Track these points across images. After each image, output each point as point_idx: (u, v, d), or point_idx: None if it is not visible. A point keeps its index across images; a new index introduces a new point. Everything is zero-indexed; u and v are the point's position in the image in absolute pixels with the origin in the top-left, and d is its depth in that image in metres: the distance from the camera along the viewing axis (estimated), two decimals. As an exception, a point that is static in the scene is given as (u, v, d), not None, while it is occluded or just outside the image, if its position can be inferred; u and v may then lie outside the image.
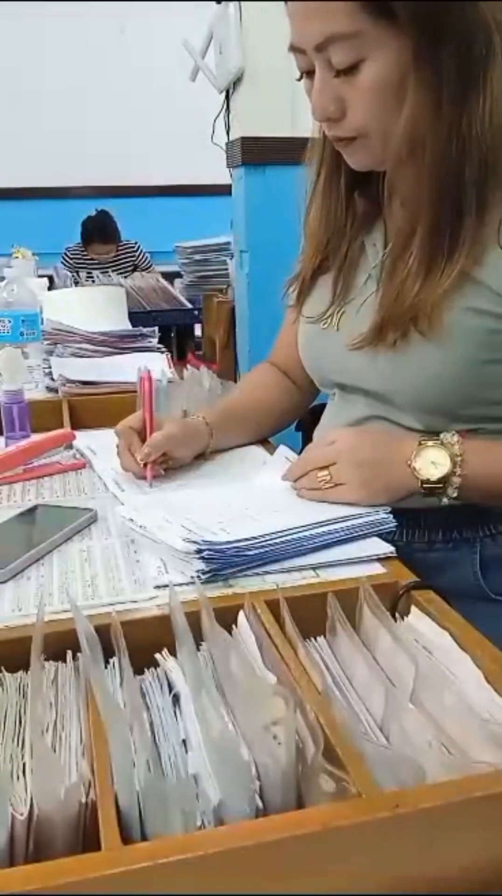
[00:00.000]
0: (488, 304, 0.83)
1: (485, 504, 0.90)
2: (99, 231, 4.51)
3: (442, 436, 0.84)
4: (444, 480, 0.82)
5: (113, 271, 4.17)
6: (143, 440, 0.97)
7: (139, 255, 4.65)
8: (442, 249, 0.83)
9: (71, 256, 4.56)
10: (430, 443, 0.84)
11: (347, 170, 0.91)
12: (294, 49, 0.83)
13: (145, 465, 0.95)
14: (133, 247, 4.65)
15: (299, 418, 1.24)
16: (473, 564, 0.94)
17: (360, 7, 0.75)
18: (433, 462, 0.83)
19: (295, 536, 0.75)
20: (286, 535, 0.75)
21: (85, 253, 4.55)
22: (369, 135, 0.83)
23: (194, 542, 0.72)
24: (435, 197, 0.82)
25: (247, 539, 0.73)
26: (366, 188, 0.94)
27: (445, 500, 0.84)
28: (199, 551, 0.71)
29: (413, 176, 0.84)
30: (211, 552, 0.71)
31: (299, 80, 0.86)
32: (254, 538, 0.74)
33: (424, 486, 0.83)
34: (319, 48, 0.79)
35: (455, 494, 0.83)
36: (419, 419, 0.90)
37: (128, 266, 4.55)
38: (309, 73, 0.84)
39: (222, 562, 0.71)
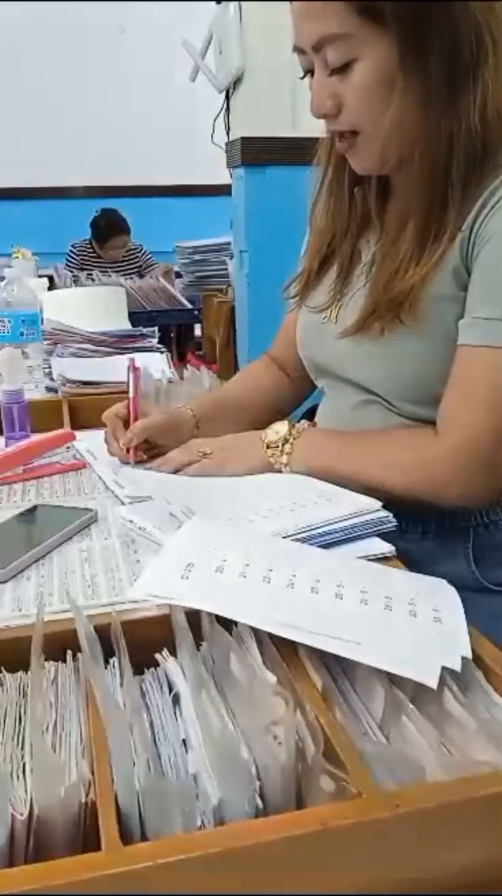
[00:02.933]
0: (458, 288, 0.85)
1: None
2: (113, 225, 4.49)
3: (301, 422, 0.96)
4: (278, 444, 0.95)
5: (116, 273, 4.17)
6: (128, 427, 1.04)
7: (143, 258, 4.64)
8: (428, 241, 0.86)
9: (77, 254, 4.54)
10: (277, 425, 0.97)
11: (350, 169, 0.94)
12: (296, 49, 0.87)
13: (128, 450, 1.02)
14: (137, 248, 4.64)
15: (293, 412, 1.25)
16: (466, 553, 0.95)
17: (351, 9, 0.79)
18: (276, 430, 0.96)
19: (294, 535, 0.75)
20: (283, 532, 0.75)
21: (92, 250, 4.54)
22: (363, 131, 0.86)
23: None
24: (424, 193, 0.85)
25: None
26: (365, 188, 0.97)
27: (283, 469, 0.94)
28: None
29: (405, 174, 0.87)
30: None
31: (302, 78, 0.89)
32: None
33: (266, 449, 0.95)
34: (315, 48, 0.83)
35: (285, 461, 0.94)
36: (402, 409, 0.93)
37: (134, 269, 4.54)
38: (310, 72, 0.87)
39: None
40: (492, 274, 0.83)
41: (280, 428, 0.96)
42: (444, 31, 0.79)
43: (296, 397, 1.21)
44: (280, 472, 0.94)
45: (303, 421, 0.98)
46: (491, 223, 0.82)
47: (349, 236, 0.99)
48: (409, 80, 0.81)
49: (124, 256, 4.56)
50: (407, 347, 0.89)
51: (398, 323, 0.87)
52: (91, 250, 4.55)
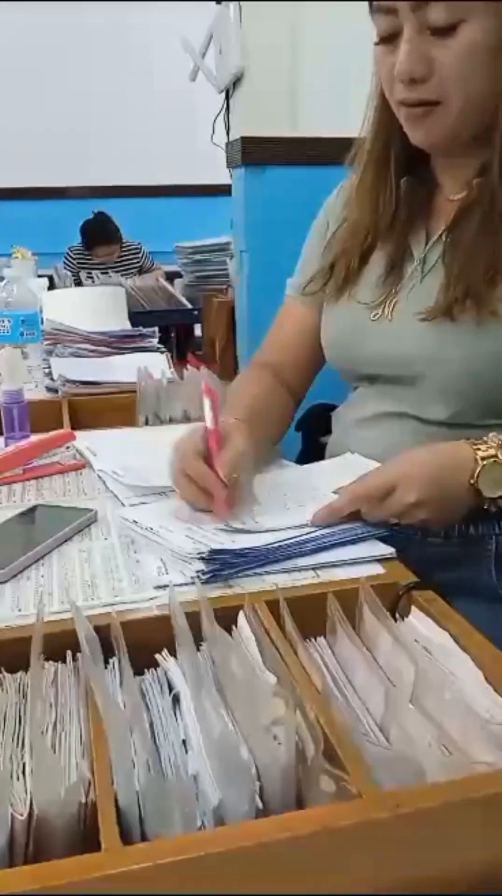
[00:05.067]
0: None
1: None
2: (100, 233, 4.50)
3: (475, 443, 0.83)
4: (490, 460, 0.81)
5: (116, 273, 4.17)
6: (209, 460, 0.82)
7: (142, 257, 4.64)
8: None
9: (74, 257, 4.55)
10: (488, 460, 0.81)
11: (397, 160, 0.93)
12: (381, 10, 0.82)
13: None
14: (136, 248, 4.64)
15: (293, 418, 1.22)
16: (488, 560, 0.93)
17: None
18: (496, 481, 0.82)
19: (295, 537, 0.75)
20: (286, 537, 0.75)
21: (88, 253, 4.54)
22: (449, 101, 0.82)
23: (199, 552, 0.72)
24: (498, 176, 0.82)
25: (249, 548, 0.73)
26: (413, 181, 0.96)
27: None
28: (202, 557, 0.71)
29: (461, 162, 0.88)
30: (212, 554, 0.71)
31: (377, 44, 0.85)
32: (257, 547, 0.74)
33: (492, 503, 0.82)
34: (416, 6, 0.78)
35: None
36: (448, 407, 0.90)
37: (133, 268, 4.54)
38: (389, 38, 0.83)
39: (222, 563, 0.71)
40: None
41: (497, 475, 0.82)
42: None
43: (296, 406, 1.15)
44: None
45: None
46: None
47: (395, 231, 0.96)
48: None
49: (122, 256, 4.56)
50: (481, 333, 0.86)
51: (473, 309, 0.85)
52: (87, 253, 4.55)
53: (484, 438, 0.84)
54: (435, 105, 0.83)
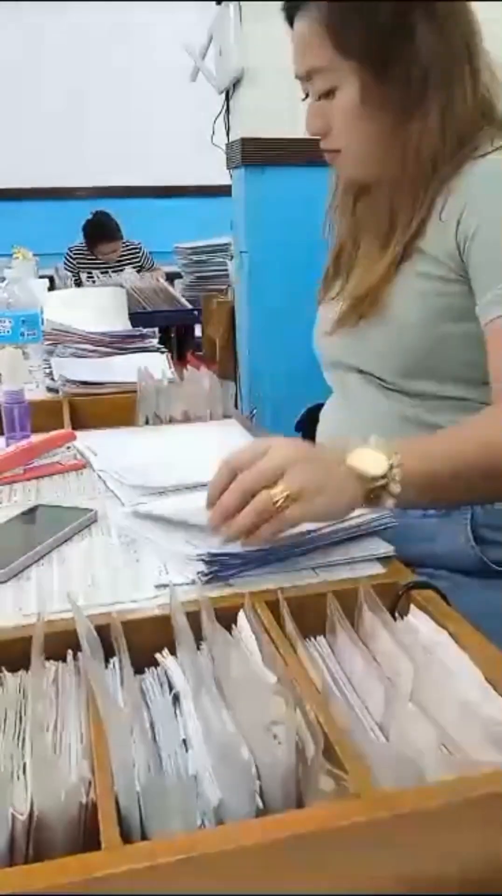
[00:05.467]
0: (430, 267, 0.95)
1: (423, 506, 0.95)
2: (101, 231, 4.50)
3: (371, 439, 0.77)
4: (384, 476, 0.74)
5: (116, 273, 4.17)
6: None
7: (143, 257, 4.64)
8: (393, 235, 0.99)
9: (74, 257, 4.55)
10: (361, 446, 0.76)
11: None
12: (297, 77, 1.00)
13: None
14: (137, 247, 4.64)
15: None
16: (466, 532, 0.96)
17: (328, 44, 0.92)
18: (371, 459, 0.75)
19: (295, 537, 0.75)
20: (286, 536, 0.75)
21: (89, 253, 4.55)
22: (348, 148, 0.99)
23: (199, 554, 0.72)
24: (394, 201, 0.98)
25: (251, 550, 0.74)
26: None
27: (390, 502, 0.75)
28: (202, 559, 0.71)
29: (378, 186, 1.01)
30: (212, 556, 0.71)
31: (304, 100, 1.02)
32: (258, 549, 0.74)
33: (368, 484, 0.74)
34: (306, 78, 0.98)
35: (397, 490, 0.74)
36: (407, 384, 1.00)
37: (133, 269, 4.54)
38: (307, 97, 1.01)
39: (222, 564, 0.71)
40: (495, 251, 0.91)
41: (373, 458, 0.75)
42: (406, 56, 0.91)
43: None
44: (384, 505, 0.76)
45: (372, 438, 0.77)
46: (476, 210, 0.91)
47: (353, 239, 1.08)
48: (376, 105, 0.94)
49: (123, 255, 4.56)
50: (378, 330, 1.00)
51: (373, 310, 0.99)
52: (88, 253, 4.55)
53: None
54: (338, 152, 1.00)
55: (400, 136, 0.95)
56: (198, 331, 4.01)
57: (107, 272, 4.08)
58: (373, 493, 0.74)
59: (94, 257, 4.54)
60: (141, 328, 1.80)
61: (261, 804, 0.46)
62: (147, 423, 1.26)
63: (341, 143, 0.99)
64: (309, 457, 0.73)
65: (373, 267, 1.00)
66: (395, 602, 0.67)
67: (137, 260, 4.61)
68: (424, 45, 0.91)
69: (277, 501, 0.68)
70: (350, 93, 0.94)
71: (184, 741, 0.51)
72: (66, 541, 0.81)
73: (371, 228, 1.04)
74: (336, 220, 1.11)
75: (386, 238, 0.99)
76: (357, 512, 0.80)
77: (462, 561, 0.96)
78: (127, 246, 4.63)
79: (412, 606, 0.65)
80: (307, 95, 1.01)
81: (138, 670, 0.57)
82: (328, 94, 0.96)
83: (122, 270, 4.30)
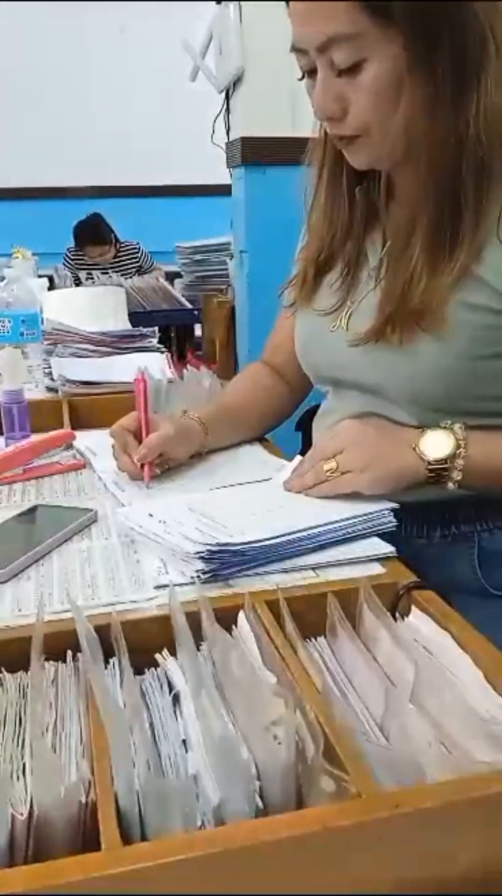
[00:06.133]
0: (486, 299, 0.84)
1: (486, 493, 0.90)
2: (90, 233, 4.48)
3: (442, 423, 0.86)
4: (448, 461, 0.84)
5: (115, 273, 4.17)
6: (139, 440, 0.97)
7: (142, 257, 4.64)
8: (443, 247, 0.84)
9: (72, 257, 4.55)
10: (433, 428, 0.86)
11: (349, 169, 0.92)
12: (296, 50, 0.84)
13: (142, 465, 0.95)
14: (135, 248, 4.64)
15: (290, 417, 1.24)
16: (471, 559, 0.95)
17: (361, 8, 0.76)
18: (437, 443, 0.85)
19: (295, 536, 0.75)
20: (286, 536, 0.75)
21: (83, 254, 4.55)
22: (370, 133, 0.84)
23: (205, 544, 0.72)
24: (432, 194, 0.83)
25: (250, 542, 0.73)
26: (367, 187, 0.95)
27: (450, 485, 0.84)
28: (201, 555, 0.71)
29: (411, 175, 0.85)
30: (211, 552, 0.71)
31: (301, 79, 0.87)
32: (257, 541, 0.74)
33: (429, 467, 0.84)
34: (321, 49, 0.80)
35: (459, 477, 0.84)
36: (413, 414, 0.90)
37: (132, 268, 4.54)
38: (310, 73, 0.85)
39: (222, 562, 0.71)
40: None
41: (440, 440, 0.85)
42: (453, 31, 0.78)
43: (296, 402, 1.20)
44: (445, 487, 0.85)
45: (456, 426, 0.85)
46: None
47: (352, 238, 0.96)
48: (417, 81, 0.79)
49: (116, 258, 4.55)
50: (425, 355, 0.86)
51: (416, 330, 0.86)
52: (82, 253, 4.55)
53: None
54: (357, 137, 0.85)
55: (446, 118, 0.80)
56: (198, 330, 4.01)
57: (107, 272, 4.08)
58: (434, 473, 0.85)
59: (86, 258, 4.54)
60: (141, 328, 1.80)
61: (261, 804, 0.46)
62: (147, 422, 1.26)
63: (364, 126, 0.83)
64: (366, 440, 0.88)
65: (434, 277, 0.85)
66: (396, 602, 0.67)
67: (136, 260, 4.60)
68: (479, 10, 0.78)
69: (328, 472, 0.86)
70: (384, 65, 0.79)
71: (184, 741, 0.51)
72: (65, 541, 0.81)
73: (400, 229, 0.89)
74: (320, 214, 0.98)
75: (448, 245, 0.84)
76: (357, 512, 0.80)
77: (466, 587, 0.94)
78: (126, 246, 4.62)
79: (412, 607, 0.65)
80: (306, 74, 0.86)
81: (138, 671, 0.57)
82: (352, 68, 0.80)
83: (120, 271, 4.30)
